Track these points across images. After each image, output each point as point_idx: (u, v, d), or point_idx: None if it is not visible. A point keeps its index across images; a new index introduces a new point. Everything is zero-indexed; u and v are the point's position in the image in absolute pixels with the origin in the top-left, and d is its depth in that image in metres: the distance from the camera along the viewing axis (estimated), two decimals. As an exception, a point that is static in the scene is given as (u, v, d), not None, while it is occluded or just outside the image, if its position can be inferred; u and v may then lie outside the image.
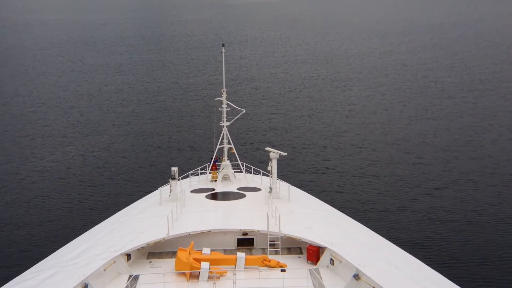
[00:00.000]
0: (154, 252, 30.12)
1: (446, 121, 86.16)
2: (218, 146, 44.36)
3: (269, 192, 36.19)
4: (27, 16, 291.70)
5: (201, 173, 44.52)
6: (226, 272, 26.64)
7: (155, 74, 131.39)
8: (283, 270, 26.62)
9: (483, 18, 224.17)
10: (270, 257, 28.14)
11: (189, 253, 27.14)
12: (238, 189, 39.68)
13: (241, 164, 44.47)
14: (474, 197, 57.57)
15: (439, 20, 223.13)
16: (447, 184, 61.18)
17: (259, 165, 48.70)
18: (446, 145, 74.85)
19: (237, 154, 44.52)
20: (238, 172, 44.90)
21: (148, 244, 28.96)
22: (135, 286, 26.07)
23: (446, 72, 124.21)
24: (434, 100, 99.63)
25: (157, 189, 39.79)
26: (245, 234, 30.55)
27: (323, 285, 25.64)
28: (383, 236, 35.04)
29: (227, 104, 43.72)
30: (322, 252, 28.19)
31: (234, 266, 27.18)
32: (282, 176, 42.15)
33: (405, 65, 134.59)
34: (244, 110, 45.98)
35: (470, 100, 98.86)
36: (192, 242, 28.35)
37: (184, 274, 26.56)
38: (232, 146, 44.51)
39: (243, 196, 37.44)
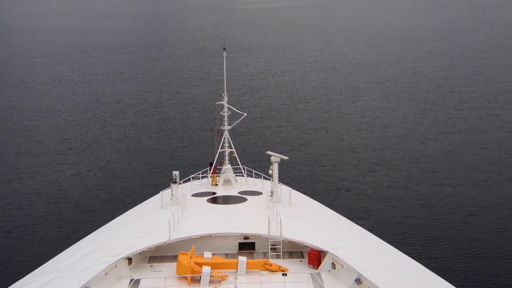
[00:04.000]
0: (155, 256, 30.11)
1: (470, 135, 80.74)
2: (219, 150, 44.49)
3: (271, 196, 36.28)
4: (26, 23, 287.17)
5: (202, 177, 44.62)
6: (227, 276, 26.51)
7: (156, 83, 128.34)
8: (284, 274, 26.48)
9: (494, 24, 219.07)
10: (271, 261, 28.04)
11: (190, 257, 27.08)
12: (239, 193, 39.77)
13: (242, 168, 44.59)
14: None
15: (449, 26, 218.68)
16: (482, 210, 55.95)
17: (260, 169, 48.66)
18: (473, 163, 69.52)
19: (238, 158, 44.59)
20: (239, 176, 44.97)
21: (149, 248, 29.03)
22: None
23: (463, 81, 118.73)
24: (453, 111, 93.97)
25: (158, 193, 39.78)
26: (246, 238, 30.54)
27: None
28: (385, 240, 34.89)
29: (228, 108, 43.87)
30: (324, 256, 28.10)
31: (236, 270, 27.07)
32: (283, 180, 42.06)
33: (418, 73, 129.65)
34: (245, 114, 46.32)
35: (494, 112, 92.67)
36: (193, 246, 28.35)
37: (185, 278, 26.47)
38: (233, 150, 44.63)
39: (244, 200, 37.49)
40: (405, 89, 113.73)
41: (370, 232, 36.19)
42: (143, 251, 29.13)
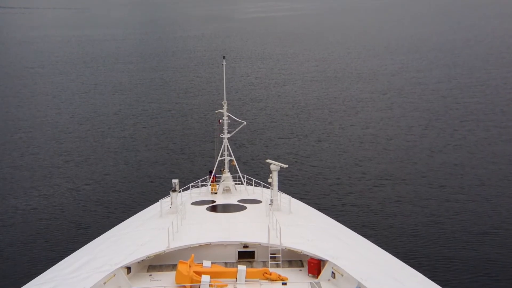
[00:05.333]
0: (155, 265, 29.93)
1: (477, 148, 78.33)
2: (218, 158, 44.51)
3: (270, 204, 36.17)
4: (25, 33, 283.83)
5: (202, 185, 44.58)
6: (226, 285, 26.37)
7: (156, 93, 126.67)
8: (284, 283, 26.43)
9: (496, 34, 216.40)
10: (271, 270, 27.88)
11: (190, 266, 26.94)
12: (239, 201, 39.69)
13: (242, 176, 44.57)
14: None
15: (450, 36, 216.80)
16: (494, 227, 53.53)
17: (260, 177, 48.35)
18: (482, 178, 67.10)
19: (238, 166, 44.55)
20: (239, 184, 44.93)
21: (148, 257, 28.82)
22: None
23: (467, 92, 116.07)
24: (459, 123, 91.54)
25: (158, 201, 39.65)
26: (245, 246, 30.40)
27: None
28: (385, 249, 34.65)
29: (228, 116, 43.95)
30: (324, 265, 27.91)
31: (235, 279, 26.90)
32: (283, 189, 41.85)
33: (421, 83, 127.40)
34: (245, 122, 46.38)
35: (501, 124, 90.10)
36: (193, 255, 28.19)
37: (184, 287, 26.30)
38: (233, 158, 44.66)
39: (244, 208, 37.41)
40: (409, 100, 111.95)
41: (371, 241, 35.94)
42: (142, 260, 28.95)
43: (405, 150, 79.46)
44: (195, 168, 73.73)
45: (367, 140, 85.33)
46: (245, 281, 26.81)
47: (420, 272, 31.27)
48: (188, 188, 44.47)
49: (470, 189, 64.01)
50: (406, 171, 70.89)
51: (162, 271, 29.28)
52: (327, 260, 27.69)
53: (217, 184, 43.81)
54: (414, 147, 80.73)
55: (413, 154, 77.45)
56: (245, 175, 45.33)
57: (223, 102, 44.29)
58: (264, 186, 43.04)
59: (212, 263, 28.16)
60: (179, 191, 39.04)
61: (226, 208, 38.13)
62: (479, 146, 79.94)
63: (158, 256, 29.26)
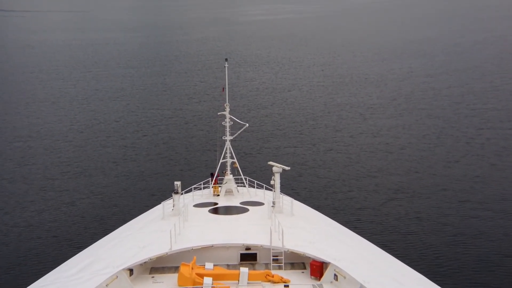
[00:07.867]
0: (157, 267, 29.95)
1: (498, 158, 74.63)
2: (221, 160, 44.54)
3: (272, 206, 36.08)
4: (26, 37, 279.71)
5: (204, 188, 44.57)
6: None
7: (158, 99, 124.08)
8: (286, 286, 26.39)
9: (505, 37, 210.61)
10: (273, 272, 27.84)
11: (192, 268, 26.98)
12: (241, 203, 39.72)
13: (244, 178, 44.60)
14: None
15: (458, 40, 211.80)
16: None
17: (263, 179, 48.07)
18: (504, 192, 63.35)
19: (240, 168, 44.49)
20: (241, 186, 44.89)
21: (150, 259, 28.90)
22: None
23: (480, 97, 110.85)
24: (475, 131, 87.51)
25: (160, 203, 39.60)
26: (248, 249, 30.40)
27: None
28: (388, 252, 34.40)
29: (230, 118, 44.03)
30: (326, 268, 27.86)
31: (237, 281, 26.86)
32: (285, 190, 41.60)
33: (433, 88, 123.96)
34: (247, 124, 46.59)
35: None
36: (195, 257, 28.22)
37: None
38: (235, 160, 44.64)
39: (246, 210, 37.40)
40: (420, 106, 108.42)
41: (374, 244, 35.70)
42: (145, 262, 29.01)
43: (419, 161, 75.94)
44: (198, 173, 71.83)
45: (378, 149, 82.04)
46: (248, 283, 26.77)
47: (424, 274, 30.99)
48: (190, 190, 44.49)
49: (493, 204, 60.57)
50: (422, 183, 67.58)
51: (164, 273, 29.29)
52: (329, 262, 27.62)
53: (219, 186, 43.83)
54: (429, 158, 77.09)
55: (429, 165, 73.85)
56: (247, 177, 45.29)
57: (225, 104, 44.48)
58: (266, 188, 42.96)
59: (214, 265, 28.17)
60: (181, 193, 39.02)
61: (228, 210, 38.10)
62: (499, 156, 76.08)
63: (160, 258, 29.27)
